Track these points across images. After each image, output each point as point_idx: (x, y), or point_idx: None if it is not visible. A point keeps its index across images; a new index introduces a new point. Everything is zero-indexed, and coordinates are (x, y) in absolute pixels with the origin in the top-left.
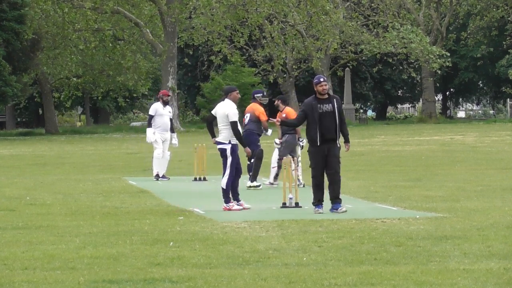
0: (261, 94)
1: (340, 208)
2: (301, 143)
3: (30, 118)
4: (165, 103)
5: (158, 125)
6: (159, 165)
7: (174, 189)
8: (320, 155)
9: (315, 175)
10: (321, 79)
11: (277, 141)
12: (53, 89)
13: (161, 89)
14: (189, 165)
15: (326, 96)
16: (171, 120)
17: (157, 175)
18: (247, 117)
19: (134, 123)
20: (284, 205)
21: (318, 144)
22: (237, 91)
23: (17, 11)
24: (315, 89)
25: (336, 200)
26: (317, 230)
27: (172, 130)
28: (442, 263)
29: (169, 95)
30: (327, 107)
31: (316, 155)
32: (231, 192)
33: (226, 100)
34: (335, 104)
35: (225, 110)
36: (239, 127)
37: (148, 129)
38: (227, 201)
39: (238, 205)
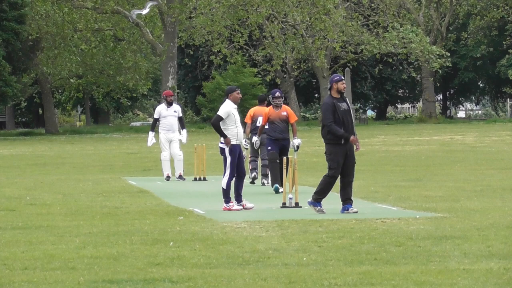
0: (271, 96)
1: (351, 209)
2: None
3: (30, 118)
4: (170, 104)
5: (163, 126)
6: (169, 167)
7: (174, 189)
8: (343, 155)
9: (334, 175)
10: (342, 77)
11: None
12: (53, 89)
13: (161, 89)
14: (189, 165)
15: (340, 95)
16: (180, 118)
17: (168, 176)
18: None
19: (134, 123)
20: (284, 205)
21: (343, 143)
22: (238, 91)
23: (17, 11)
24: (335, 87)
25: (349, 200)
26: (317, 230)
27: (182, 127)
28: (442, 263)
29: (172, 95)
30: (344, 105)
31: (338, 155)
32: (234, 193)
33: (227, 100)
34: (347, 102)
35: (220, 108)
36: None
37: (149, 132)
38: (227, 201)
39: (239, 205)
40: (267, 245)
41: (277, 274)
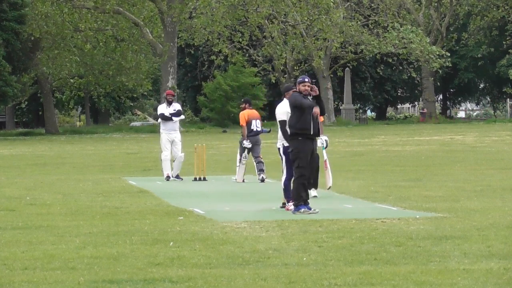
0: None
1: (304, 210)
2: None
3: (30, 118)
4: (170, 103)
5: (164, 126)
6: (169, 167)
7: (174, 189)
8: (309, 152)
9: (304, 174)
10: (306, 79)
11: (246, 142)
12: (54, 89)
13: (161, 89)
14: (189, 165)
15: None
16: (179, 110)
17: (168, 176)
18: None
19: (134, 123)
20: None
21: (311, 138)
22: (295, 89)
23: (17, 11)
24: (297, 88)
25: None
26: (317, 230)
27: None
28: (442, 263)
29: (173, 95)
30: (309, 102)
31: (305, 153)
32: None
33: (284, 100)
34: (312, 101)
35: (276, 109)
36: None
37: (164, 119)
38: (287, 198)
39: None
40: (267, 245)
41: (277, 274)
